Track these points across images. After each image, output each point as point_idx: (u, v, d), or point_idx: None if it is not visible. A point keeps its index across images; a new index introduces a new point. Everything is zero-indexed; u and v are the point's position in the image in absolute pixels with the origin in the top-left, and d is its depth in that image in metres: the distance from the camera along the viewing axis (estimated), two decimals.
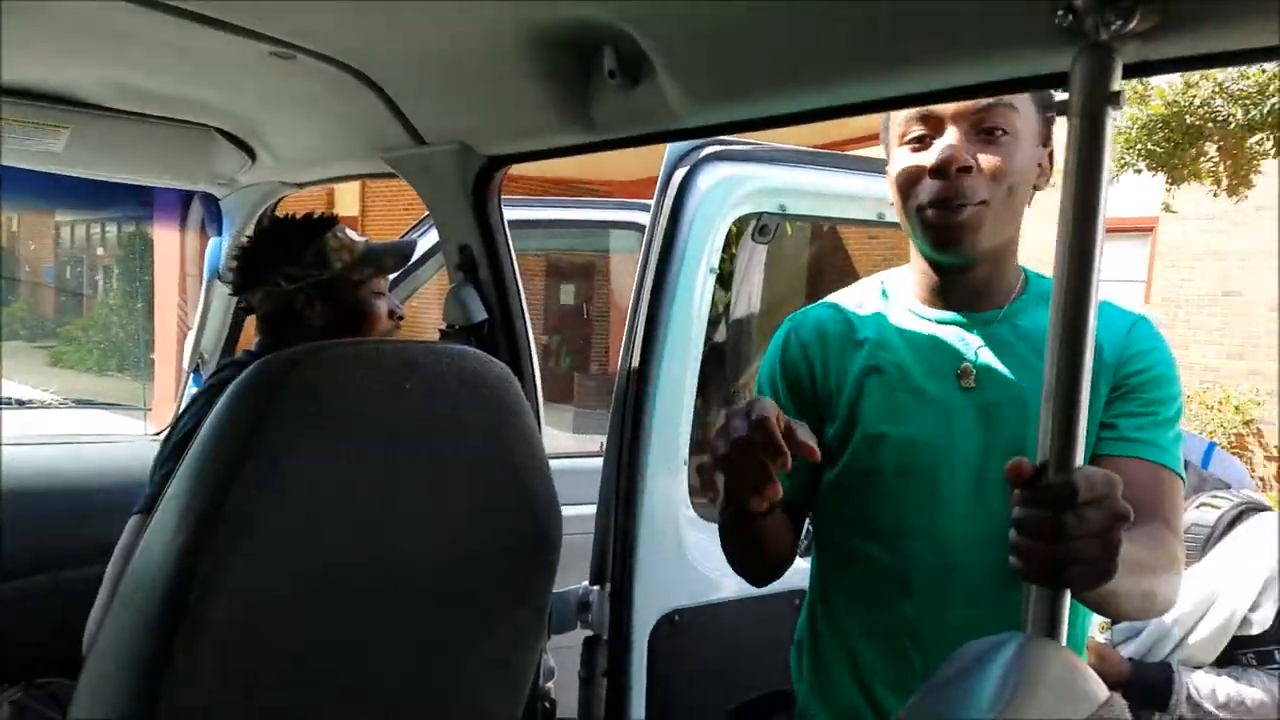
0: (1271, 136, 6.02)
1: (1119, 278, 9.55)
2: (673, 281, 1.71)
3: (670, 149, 1.74)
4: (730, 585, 1.98)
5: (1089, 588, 0.81)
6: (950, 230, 1.11)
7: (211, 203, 2.26)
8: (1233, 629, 1.74)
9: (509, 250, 1.62)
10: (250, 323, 2.00)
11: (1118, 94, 0.76)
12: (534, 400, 1.64)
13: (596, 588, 1.79)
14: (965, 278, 1.18)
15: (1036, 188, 1.16)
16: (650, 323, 1.71)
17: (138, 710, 0.78)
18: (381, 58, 1.33)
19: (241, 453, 0.82)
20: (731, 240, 2.15)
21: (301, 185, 2.08)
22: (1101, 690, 0.68)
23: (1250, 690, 1.72)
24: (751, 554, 1.23)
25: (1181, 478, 1.13)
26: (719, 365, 2.57)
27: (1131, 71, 0.81)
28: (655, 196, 1.73)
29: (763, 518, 1.09)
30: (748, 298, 2.50)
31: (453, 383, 0.99)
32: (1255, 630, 1.73)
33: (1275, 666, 1.74)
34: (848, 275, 1.37)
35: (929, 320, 1.21)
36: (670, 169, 1.73)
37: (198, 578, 0.79)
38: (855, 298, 1.29)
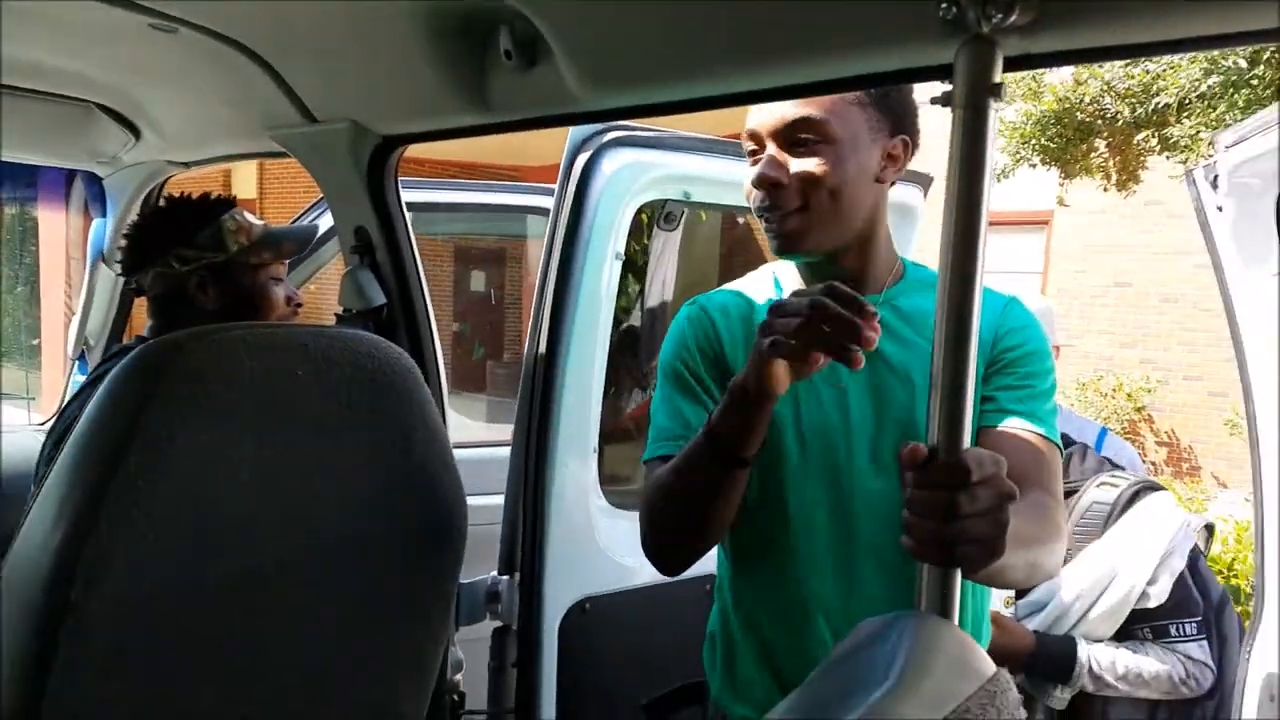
0: (1156, 134, 6.30)
1: (1016, 269, 9.91)
2: (578, 267, 1.70)
3: (572, 134, 1.73)
4: (643, 572, 1.98)
5: (980, 566, 0.83)
6: (779, 238, 1.19)
7: (94, 183, 2.15)
8: (1132, 603, 1.80)
9: (408, 232, 1.59)
10: (140, 309, 1.92)
11: (999, 85, 0.78)
12: (437, 386, 1.61)
13: (506, 577, 1.77)
14: (835, 269, 1.23)
15: (880, 180, 1.22)
16: (556, 309, 1.70)
17: (20, 703, 0.75)
18: (268, 32, 1.28)
19: (123, 439, 0.78)
20: (643, 228, 2.15)
21: (188, 165, 1.99)
22: (989, 666, 0.69)
23: (1147, 662, 1.79)
24: (705, 512, 1.16)
25: (1059, 447, 1.20)
26: (630, 353, 2.58)
27: (1013, 64, 0.83)
28: (558, 181, 1.71)
29: (743, 466, 1.10)
30: (660, 285, 2.50)
31: (347, 369, 0.96)
32: (1153, 604, 1.80)
33: (1170, 640, 1.81)
34: (759, 264, 1.40)
35: None
36: (573, 154, 1.72)
37: (80, 566, 0.75)
38: (751, 285, 1.34)
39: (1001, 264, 9.73)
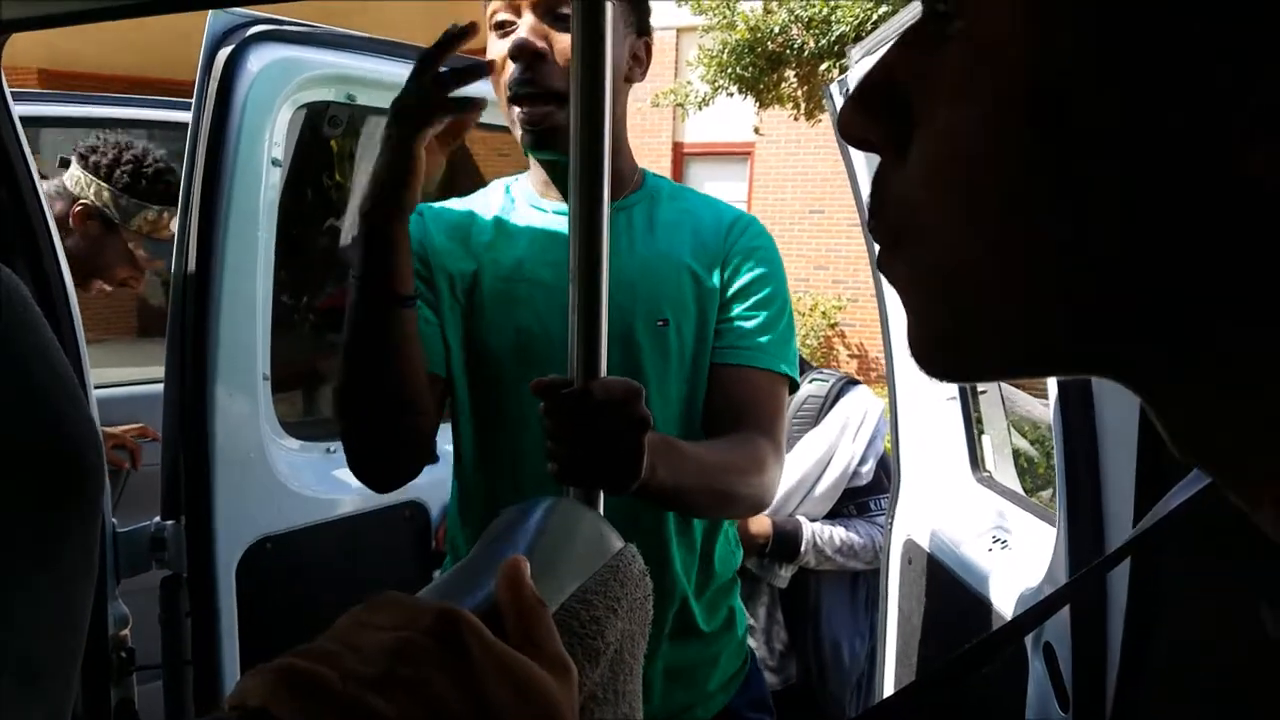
0: (837, 64, 6.72)
1: (723, 197, 10.43)
2: (227, 174, 1.53)
3: (210, 25, 1.55)
4: (337, 504, 1.87)
5: (619, 489, 0.85)
6: (536, 132, 1.06)
7: None
8: (845, 482, 2.00)
9: (19, 139, 1.38)
10: None
11: None
12: (65, 312, 1.42)
13: (170, 522, 1.63)
14: None
15: (629, 80, 1.13)
16: (206, 222, 1.53)
17: None
18: None
19: None
20: (340, 148, 1.98)
21: None
22: (618, 543, 0.70)
23: (855, 536, 1.99)
24: (386, 380, 1.02)
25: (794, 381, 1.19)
26: (310, 271, 2.36)
27: None
28: (198, 78, 1.53)
29: (405, 304, 0.99)
30: (356, 195, 2.31)
31: None
32: (863, 482, 2.02)
33: (871, 514, 2.04)
34: (478, 183, 1.31)
35: (547, 212, 1.17)
36: (213, 48, 1.53)
37: None
38: (482, 200, 1.23)
39: (711, 192, 10.15)
